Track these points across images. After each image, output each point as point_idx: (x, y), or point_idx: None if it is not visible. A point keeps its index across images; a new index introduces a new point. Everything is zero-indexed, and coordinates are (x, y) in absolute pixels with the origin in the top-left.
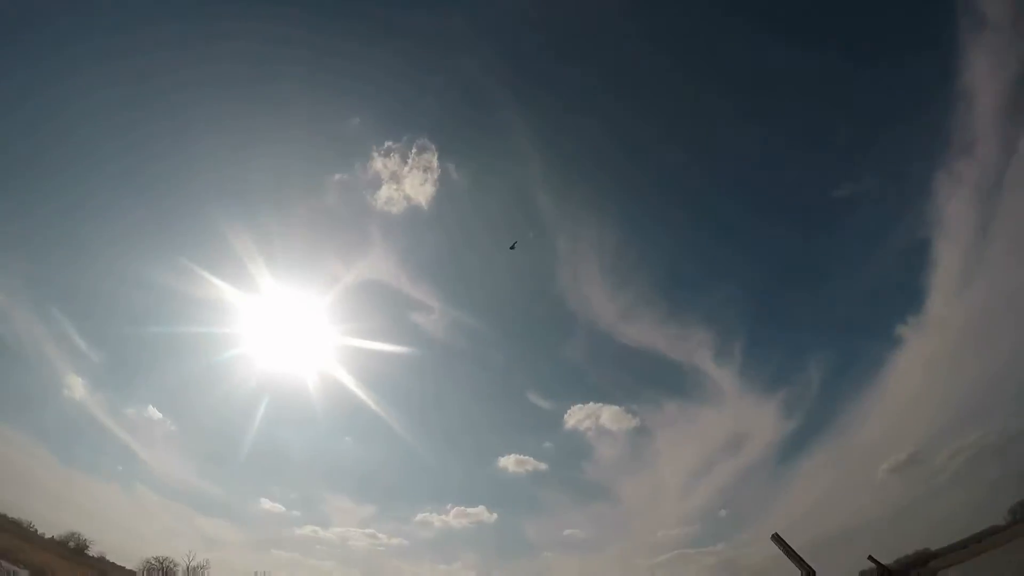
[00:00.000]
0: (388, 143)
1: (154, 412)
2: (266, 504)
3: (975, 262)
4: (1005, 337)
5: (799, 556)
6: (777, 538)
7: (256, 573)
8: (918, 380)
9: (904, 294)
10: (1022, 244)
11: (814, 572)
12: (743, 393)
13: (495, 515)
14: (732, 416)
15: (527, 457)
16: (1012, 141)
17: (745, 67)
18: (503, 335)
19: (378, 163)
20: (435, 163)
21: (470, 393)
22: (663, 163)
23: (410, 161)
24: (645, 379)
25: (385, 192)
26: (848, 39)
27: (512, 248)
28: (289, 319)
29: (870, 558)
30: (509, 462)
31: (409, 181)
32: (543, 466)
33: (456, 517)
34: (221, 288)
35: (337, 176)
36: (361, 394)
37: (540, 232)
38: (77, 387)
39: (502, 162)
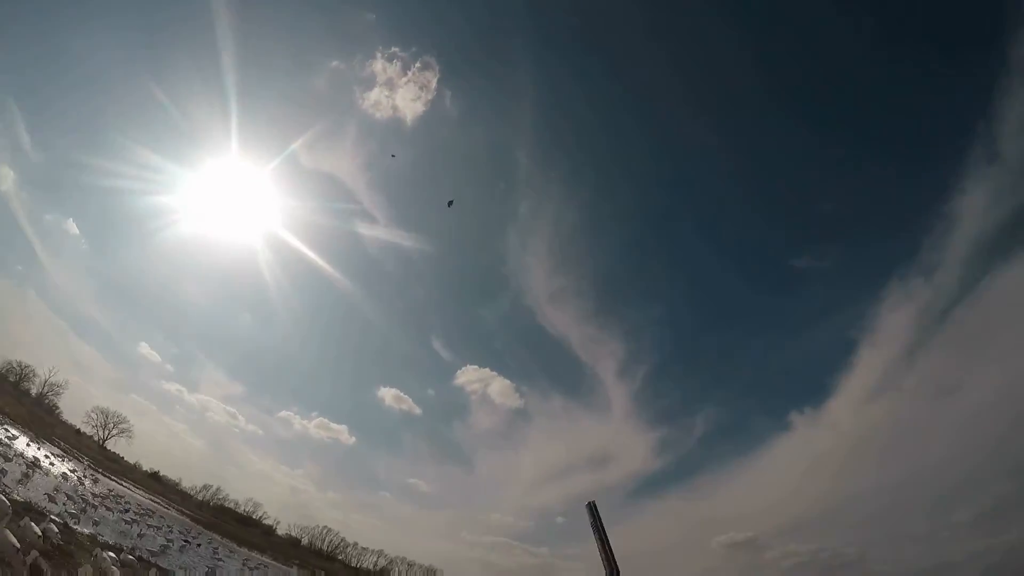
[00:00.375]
0: (395, 48)
1: (72, 226)
2: (144, 349)
3: (890, 381)
4: (881, 465)
5: (609, 547)
6: (592, 509)
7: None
8: (788, 472)
9: (811, 384)
10: (940, 381)
11: (619, 572)
12: (629, 416)
13: (354, 439)
14: (610, 433)
15: (406, 396)
16: (973, 282)
17: (746, 131)
18: (433, 272)
19: (378, 65)
20: (433, 84)
21: (379, 315)
22: (644, 173)
23: (410, 74)
24: (545, 366)
25: (375, 95)
26: (853, 136)
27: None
28: (234, 186)
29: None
30: (388, 395)
31: (403, 93)
32: (418, 410)
33: (317, 427)
34: (178, 135)
35: (334, 63)
36: (274, 279)
37: (509, 188)
38: (7, 179)
39: (496, 107)
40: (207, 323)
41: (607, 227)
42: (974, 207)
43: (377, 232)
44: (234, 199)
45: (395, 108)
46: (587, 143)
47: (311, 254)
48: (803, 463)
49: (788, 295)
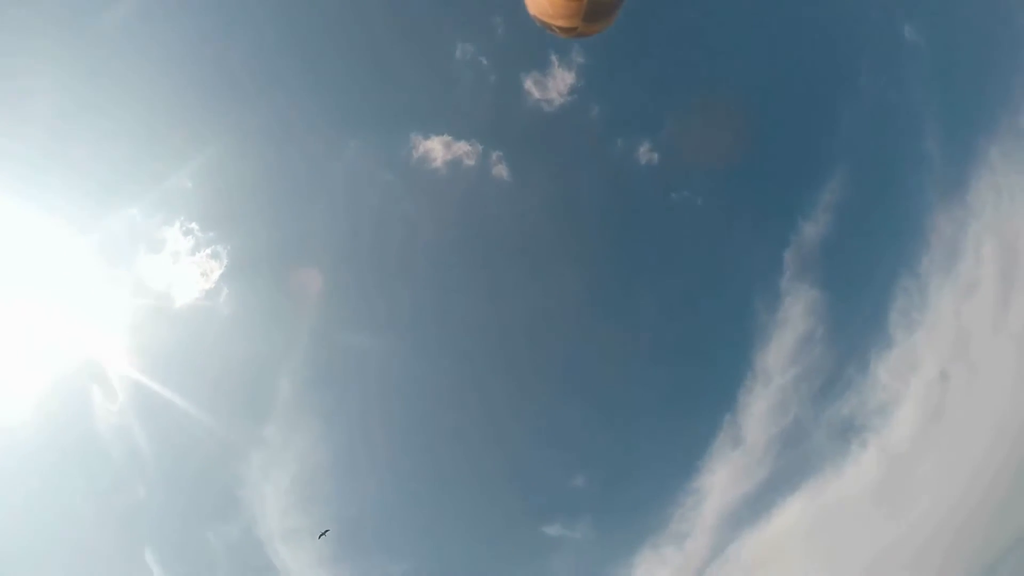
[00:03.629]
0: (194, 224)
1: None
2: None
3: None
4: None
5: None
6: None
7: None
8: None
9: None
10: None
11: None
12: None
13: None
14: None
15: None
16: (721, 546)
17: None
18: (159, 477)
19: (173, 231)
20: (215, 276)
21: (90, 513)
22: (404, 429)
23: (197, 256)
24: None
25: (154, 260)
26: (612, 418)
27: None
28: None
29: None
30: None
31: (181, 269)
32: None
33: None
34: None
35: (132, 210)
36: None
37: (261, 409)
38: None
39: (272, 325)
40: None
41: (358, 477)
42: (721, 483)
43: (112, 412)
44: None
45: (170, 284)
46: (355, 390)
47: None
48: None
49: (542, 561)
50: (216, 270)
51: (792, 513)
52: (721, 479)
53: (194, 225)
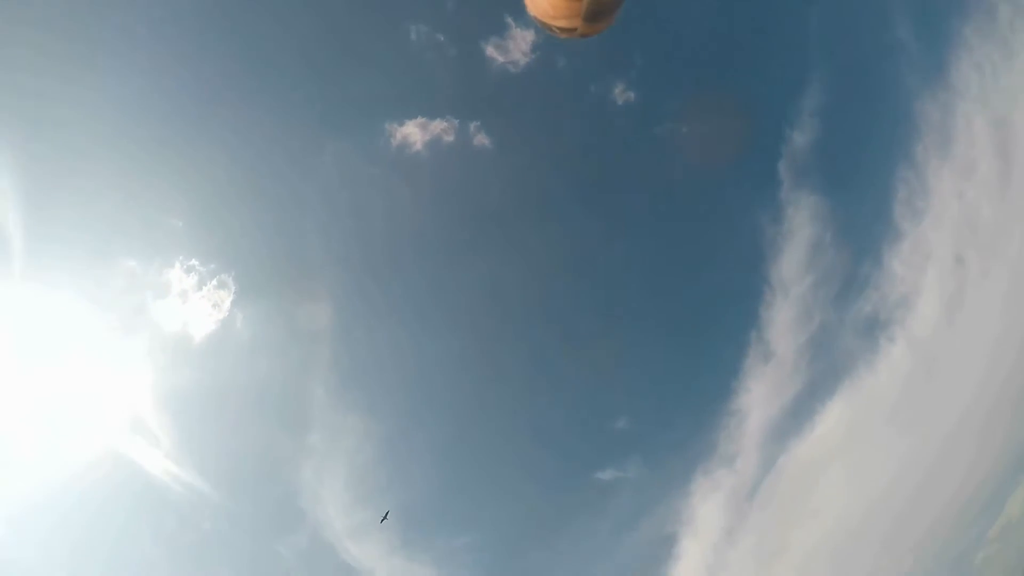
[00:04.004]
0: (194, 261)
1: None
2: None
3: (716, 561)
4: None
5: None
6: None
7: None
8: None
9: None
10: (760, 550)
11: None
12: None
13: None
14: None
15: None
16: (771, 460)
17: (549, 337)
18: (220, 505)
19: (175, 273)
20: (227, 304)
21: (160, 556)
22: (441, 403)
23: (205, 289)
24: None
25: (168, 304)
26: (642, 353)
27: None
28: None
29: None
30: None
31: (194, 307)
32: None
33: None
34: None
35: (131, 262)
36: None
37: (302, 419)
38: None
39: (293, 338)
40: None
41: (405, 459)
42: (759, 400)
43: (159, 455)
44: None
45: (185, 323)
46: (387, 379)
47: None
48: None
49: (600, 504)
50: (226, 298)
51: (833, 417)
52: (758, 396)
53: (194, 261)
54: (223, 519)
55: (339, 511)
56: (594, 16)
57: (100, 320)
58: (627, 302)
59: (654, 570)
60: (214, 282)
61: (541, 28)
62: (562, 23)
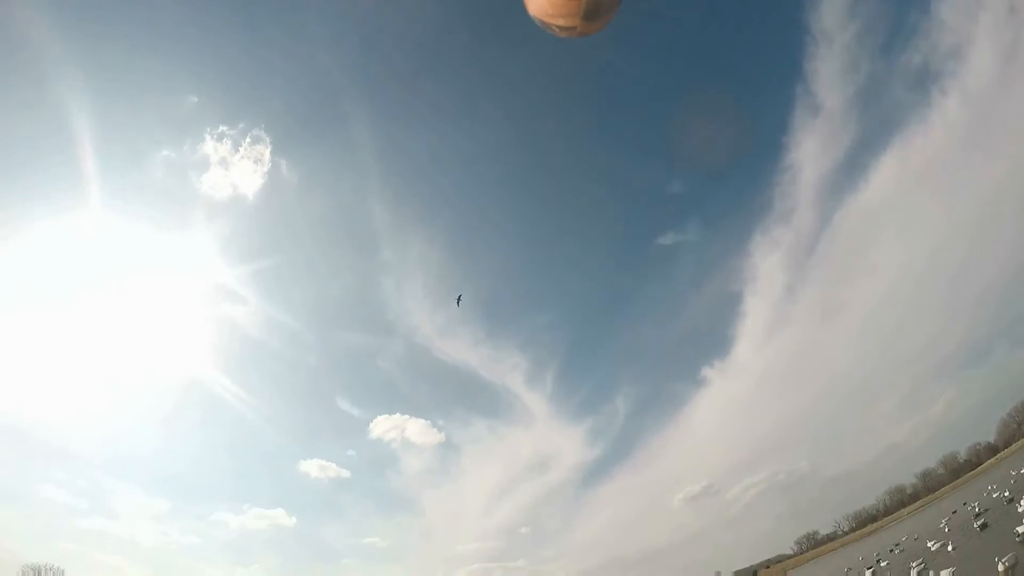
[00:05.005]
0: (223, 127)
1: None
2: (47, 491)
3: (780, 318)
4: (800, 387)
5: None
6: None
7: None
8: (717, 420)
9: (712, 340)
10: (821, 306)
11: None
12: (551, 418)
13: (294, 519)
14: (539, 439)
15: (330, 463)
16: (827, 216)
17: (592, 110)
18: (318, 338)
19: (209, 146)
20: (267, 156)
21: (278, 393)
22: (499, 191)
23: (242, 150)
24: (456, 395)
25: (212, 176)
26: (688, 104)
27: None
28: (94, 292)
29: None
30: (312, 467)
31: (238, 169)
32: (346, 473)
33: (254, 519)
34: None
35: (165, 152)
36: (163, 383)
37: (370, 240)
38: None
39: (338, 166)
40: (102, 445)
41: (474, 254)
42: (811, 154)
43: (250, 311)
44: (99, 307)
45: (234, 186)
46: (436, 178)
47: (191, 347)
48: (728, 407)
49: (664, 269)
50: (265, 151)
51: (888, 171)
52: (810, 150)
53: (222, 128)
54: (323, 351)
55: (425, 315)
56: (592, 15)
57: (159, 215)
58: (668, 60)
59: (722, 328)
60: (248, 139)
61: (541, 27)
62: (561, 22)
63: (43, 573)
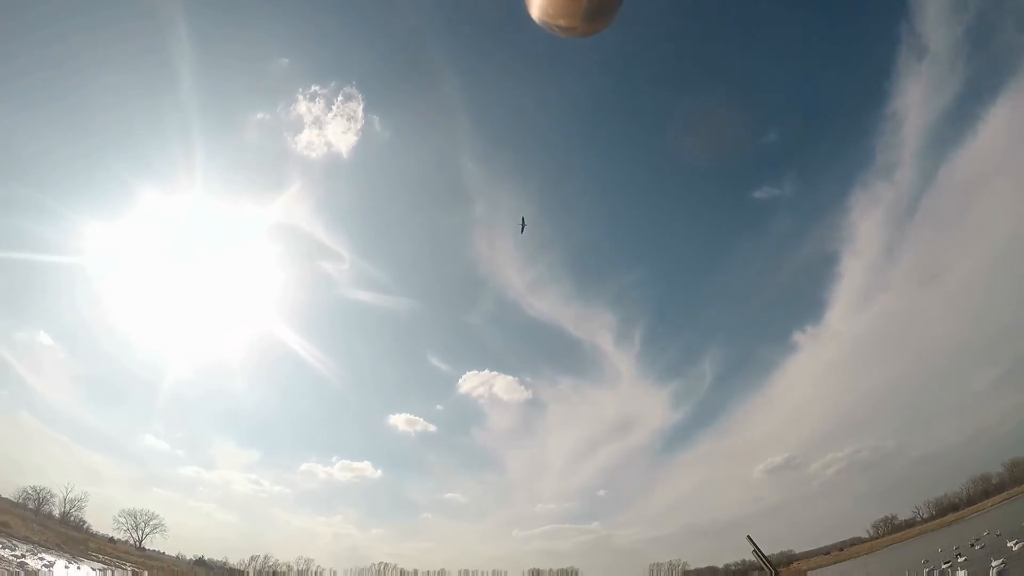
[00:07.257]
0: (314, 87)
1: (45, 337)
2: (150, 440)
3: (877, 281)
4: (892, 359)
5: (765, 557)
6: (749, 539)
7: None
8: (805, 388)
9: (805, 303)
10: (923, 270)
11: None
12: (637, 379)
13: (379, 472)
14: (624, 400)
15: (418, 418)
16: (932, 171)
17: (679, 64)
18: (410, 293)
19: (302, 106)
20: (360, 113)
21: (369, 348)
22: (589, 145)
23: (335, 108)
24: (544, 353)
25: (306, 136)
26: (784, 47)
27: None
28: (197, 253)
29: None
30: (400, 420)
31: (332, 128)
32: (432, 428)
33: (341, 470)
34: (128, 214)
35: (259, 115)
36: (259, 337)
37: (461, 194)
38: None
39: (428, 121)
40: (202, 397)
41: (566, 208)
42: (915, 101)
43: (345, 268)
44: (200, 269)
45: (329, 145)
46: (527, 132)
47: (290, 304)
48: (817, 376)
49: (758, 225)
50: (357, 108)
51: (998, 122)
52: (915, 97)
53: (314, 87)
54: (415, 306)
55: (516, 271)
56: (594, 16)
57: (256, 178)
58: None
59: (816, 290)
60: (340, 97)
61: (542, 27)
62: (562, 22)
63: (139, 518)
